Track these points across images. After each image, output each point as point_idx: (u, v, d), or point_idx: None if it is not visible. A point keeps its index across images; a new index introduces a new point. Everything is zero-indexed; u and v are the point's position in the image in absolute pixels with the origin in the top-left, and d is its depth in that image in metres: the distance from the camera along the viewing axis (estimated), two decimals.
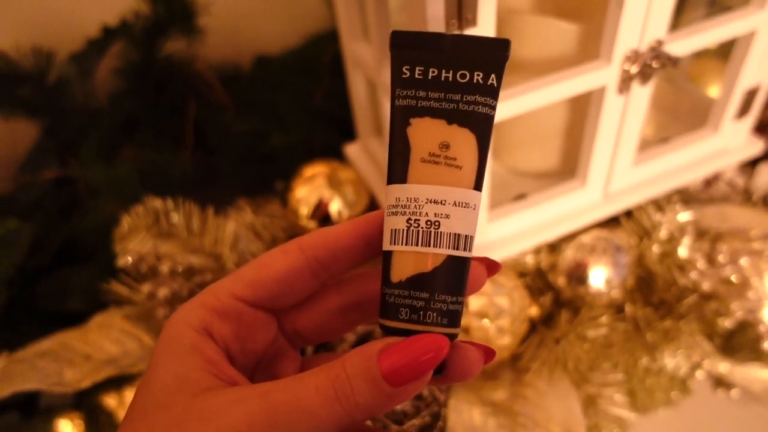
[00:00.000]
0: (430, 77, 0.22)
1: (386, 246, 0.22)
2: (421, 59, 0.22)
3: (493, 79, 0.22)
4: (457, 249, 0.22)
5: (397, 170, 0.22)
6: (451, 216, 0.22)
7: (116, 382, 0.48)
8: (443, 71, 0.22)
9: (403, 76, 0.22)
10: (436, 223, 0.22)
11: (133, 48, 0.62)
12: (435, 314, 0.22)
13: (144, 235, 0.49)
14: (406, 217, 0.22)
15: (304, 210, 0.51)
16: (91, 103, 0.63)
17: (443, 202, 0.22)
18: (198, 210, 0.51)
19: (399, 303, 0.22)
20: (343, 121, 0.62)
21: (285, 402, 0.19)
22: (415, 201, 0.22)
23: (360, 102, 0.55)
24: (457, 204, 0.22)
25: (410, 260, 0.22)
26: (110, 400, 0.49)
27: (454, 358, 0.22)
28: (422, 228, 0.22)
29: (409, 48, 0.22)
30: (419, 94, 0.22)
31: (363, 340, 0.45)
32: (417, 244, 0.22)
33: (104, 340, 0.46)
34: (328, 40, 0.71)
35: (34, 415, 0.50)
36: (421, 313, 0.22)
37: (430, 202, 0.22)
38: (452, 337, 0.22)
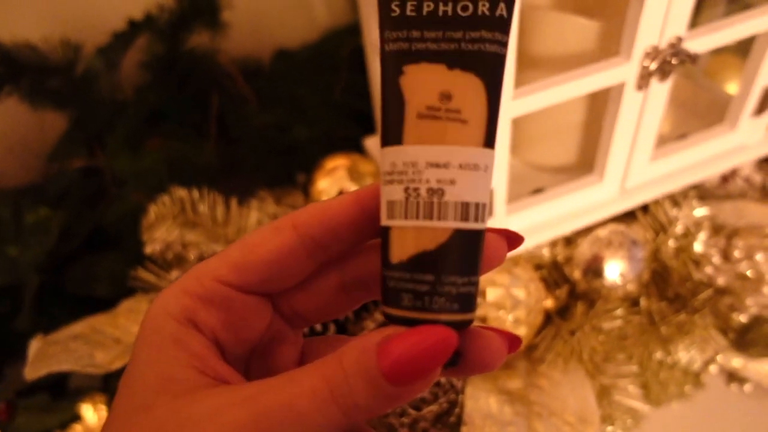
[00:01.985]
0: (424, 13, 0.18)
1: (384, 221, 0.19)
2: None
3: (502, 9, 0.18)
4: (467, 220, 0.18)
5: (391, 130, 0.19)
6: (458, 181, 0.18)
7: None
8: (440, 4, 0.18)
9: (392, 14, 0.18)
10: (440, 191, 0.18)
11: (158, 41, 0.63)
12: (443, 299, 0.18)
13: (170, 224, 0.51)
14: (403, 186, 0.18)
15: None
16: (117, 95, 0.65)
17: (447, 165, 0.18)
18: (222, 200, 0.53)
19: (401, 287, 0.18)
20: (362, 114, 0.63)
21: (276, 406, 0.17)
22: (413, 166, 0.18)
23: None
24: (464, 166, 0.18)
25: (411, 237, 0.18)
26: None
27: (473, 348, 0.19)
28: (423, 198, 0.18)
29: None
30: (412, 35, 0.18)
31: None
32: (418, 218, 0.18)
33: (133, 325, 0.48)
34: (347, 34, 0.72)
35: (62, 397, 0.52)
36: (426, 298, 0.18)
37: (431, 165, 0.18)
38: (465, 323, 0.19)
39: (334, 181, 0.52)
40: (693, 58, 0.43)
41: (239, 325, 0.21)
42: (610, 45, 0.43)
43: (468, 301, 0.19)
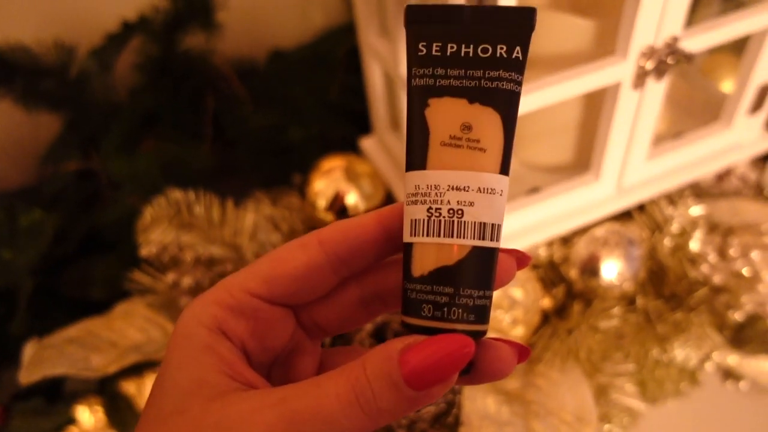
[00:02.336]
0: (448, 53, 0.20)
1: (407, 238, 0.21)
2: (439, 34, 0.20)
3: (518, 52, 0.20)
4: (483, 239, 0.20)
5: (416, 155, 0.21)
6: (476, 203, 0.20)
7: (137, 369, 0.49)
8: (463, 46, 0.20)
9: (420, 53, 0.21)
10: (460, 212, 0.20)
11: (152, 43, 0.63)
12: (461, 310, 0.20)
13: (166, 226, 0.51)
14: (426, 206, 0.20)
15: (322, 202, 0.52)
16: (112, 97, 0.65)
17: (466, 188, 0.20)
18: (218, 202, 0.53)
19: (421, 299, 0.20)
20: (358, 114, 0.63)
21: (304, 410, 0.18)
22: (435, 188, 0.20)
23: (376, 96, 0.56)
24: (482, 190, 0.20)
25: (432, 252, 0.20)
26: (130, 387, 0.50)
27: (485, 357, 0.20)
28: (444, 217, 0.20)
29: (425, 23, 0.21)
30: (437, 72, 0.20)
31: (379, 330, 0.46)
32: (439, 235, 0.20)
33: (129, 328, 0.47)
34: (343, 34, 0.72)
35: (58, 401, 0.52)
36: (446, 309, 0.20)
37: (453, 188, 0.20)
38: (480, 334, 0.21)
39: (330, 182, 0.52)
40: (689, 58, 0.43)
41: (265, 334, 0.22)
42: (606, 44, 0.43)
43: (483, 312, 0.20)
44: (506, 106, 0.20)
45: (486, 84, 0.20)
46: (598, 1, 0.47)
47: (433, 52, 0.21)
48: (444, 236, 0.20)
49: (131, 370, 0.49)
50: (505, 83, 0.20)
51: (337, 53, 0.71)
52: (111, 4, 0.66)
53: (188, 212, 0.51)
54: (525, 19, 0.20)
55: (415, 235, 0.21)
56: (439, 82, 0.20)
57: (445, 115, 0.20)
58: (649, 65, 0.42)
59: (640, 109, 0.45)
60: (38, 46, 0.61)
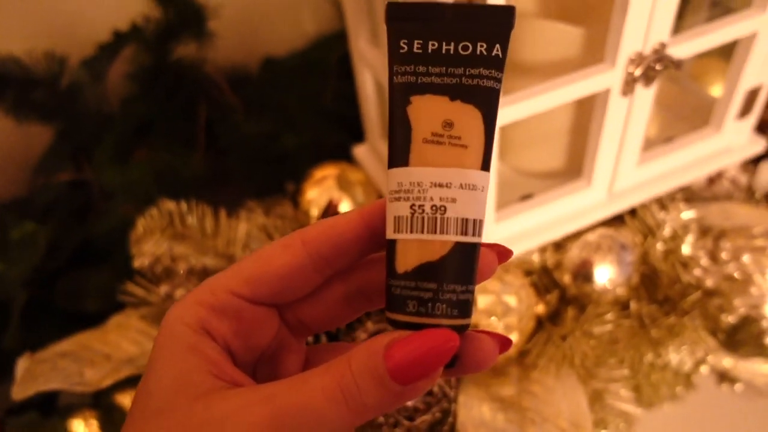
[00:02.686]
0: (429, 51, 0.21)
1: (390, 234, 0.21)
2: (420, 32, 0.21)
3: (497, 50, 0.21)
4: (466, 235, 0.20)
5: (399, 152, 0.21)
6: (458, 199, 0.20)
7: (131, 381, 0.49)
8: (444, 44, 0.21)
9: (401, 50, 0.21)
10: (442, 208, 0.20)
11: (144, 52, 0.63)
12: (444, 305, 0.20)
13: (159, 237, 0.50)
14: (409, 203, 0.20)
15: (315, 211, 0.52)
16: (104, 107, 0.65)
17: (449, 185, 0.20)
18: (211, 212, 0.52)
19: (406, 295, 0.20)
20: (352, 121, 0.63)
21: (291, 406, 0.18)
22: (418, 185, 0.20)
23: (368, 104, 0.56)
24: (464, 186, 0.20)
25: (416, 249, 0.20)
26: (125, 399, 0.50)
27: (467, 349, 0.21)
28: (427, 214, 0.20)
29: (406, 20, 0.21)
30: (419, 69, 0.21)
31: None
32: (422, 232, 0.20)
33: (122, 341, 0.47)
34: (336, 40, 0.72)
35: (52, 414, 0.52)
36: (430, 304, 0.20)
37: (435, 185, 0.20)
38: (463, 328, 0.21)
39: (323, 190, 0.52)
40: (677, 64, 0.43)
41: (249, 333, 0.22)
42: (595, 51, 0.44)
43: (466, 307, 0.21)
44: (487, 103, 0.21)
45: (467, 81, 0.20)
46: (587, 9, 0.47)
47: (415, 50, 0.21)
48: (427, 233, 0.20)
49: (126, 383, 0.49)
50: (485, 81, 0.21)
51: (329, 60, 0.71)
52: (102, 14, 0.65)
53: (181, 223, 0.51)
54: (505, 17, 0.21)
55: (398, 232, 0.21)
56: (421, 79, 0.21)
57: (427, 112, 0.21)
58: (638, 72, 0.42)
59: (629, 116, 0.46)
60: (29, 57, 0.61)
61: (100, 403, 0.51)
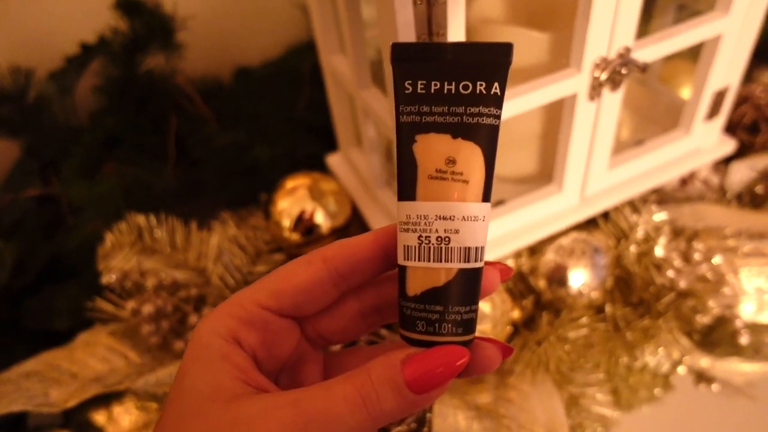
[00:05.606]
0: (432, 91, 0.22)
1: (401, 261, 0.23)
2: (423, 72, 0.22)
3: (496, 88, 0.22)
4: (468, 262, 0.22)
5: (406, 187, 0.23)
6: (461, 230, 0.22)
7: (104, 399, 0.48)
8: (445, 83, 0.22)
9: (406, 91, 0.22)
10: (446, 239, 0.22)
11: (112, 65, 0.62)
12: (450, 325, 0.22)
13: (127, 252, 0.50)
14: (417, 234, 0.22)
15: (287, 222, 0.52)
16: (72, 121, 0.64)
17: (452, 217, 0.22)
18: (181, 225, 0.52)
19: (415, 316, 0.22)
20: (325, 130, 0.63)
21: (315, 410, 0.20)
22: (425, 218, 0.22)
23: (340, 114, 0.55)
24: (466, 218, 0.22)
25: (423, 275, 0.22)
26: (99, 417, 0.49)
27: (473, 356, 0.23)
28: (433, 244, 0.22)
29: (409, 61, 0.22)
30: (423, 109, 0.22)
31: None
32: (429, 260, 0.22)
33: (90, 358, 0.46)
34: (308, 50, 0.72)
35: None
36: (437, 325, 0.22)
37: (440, 218, 0.22)
38: (468, 343, 0.23)
39: (295, 200, 0.52)
40: (642, 68, 0.43)
41: (273, 343, 0.24)
42: (561, 57, 0.44)
43: (470, 325, 0.23)
44: (487, 139, 0.22)
45: (468, 120, 0.22)
46: (553, 15, 0.48)
47: (419, 90, 0.22)
48: (433, 261, 0.22)
49: (99, 401, 0.48)
50: (485, 118, 0.22)
51: (302, 69, 0.71)
52: (69, 27, 0.65)
53: (150, 237, 0.50)
54: (502, 55, 0.22)
55: (407, 260, 0.23)
56: (425, 119, 0.22)
57: (431, 149, 0.22)
58: (603, 76, 0.42)
59: (598, 120, 0.46)
60: None
61: (72, 422, 0.49)
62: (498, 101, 0.22)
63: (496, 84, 0.22)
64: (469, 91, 0.22)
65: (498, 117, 0.22)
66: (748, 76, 0.63)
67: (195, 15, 0.65)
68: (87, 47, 0.63)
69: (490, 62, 0.22)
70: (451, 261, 0.22)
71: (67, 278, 0.56)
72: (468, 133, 0.22)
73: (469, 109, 0.22)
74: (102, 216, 0.55)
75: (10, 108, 0.60)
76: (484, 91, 0.22)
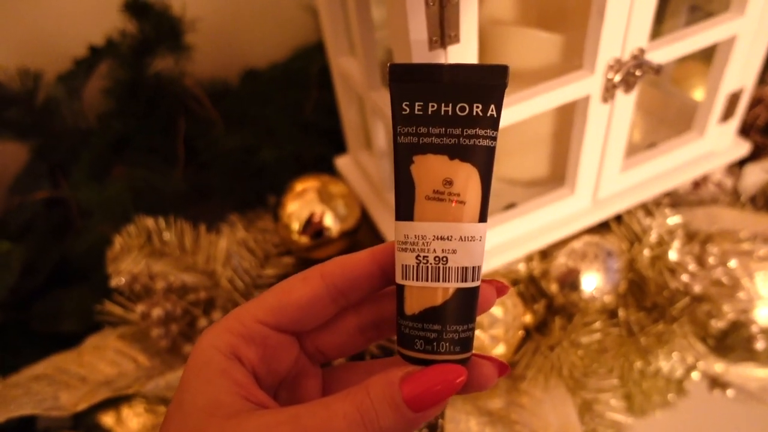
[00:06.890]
0: (430, 112, 0.22)
1: (399, 280, 0.23)
2: (420, 94, 0.22)
3: (492, 110, 0.22)
4: (465, 281, 0.22)
5: (403, 207, 0.23)
6: (458, 251, 0.22)
7: (113, 401, 0.48)
8: (442, 105, 0.22)
9: (404, 112, 0.22)
10: (444, 259, 0.22)
11: (120, 67, 0.62)
12: (448, 344, 0.22)
13: (136, 255, 0.49)
14: (415, 254, 0.22)
15: (296, 225, 0.51)
16: (81, 124, 0.64)
17: (449, 238, 0.22)
18: (190, 227, 0.51)
19: (413, 335, 0.22)
20: (333, 132, 0.63)
21: (315, 427, 0.20)
22: (422, 238, 0.22)
23: (349, 116, 0.55)
24: (464, 239, 0.22)
25: (421, 295, 0.22)
26: (108, 419, 0.49)
27: (469, 374, 0.23)
28: (431, 264, 0.22)
29: (407, 82, 0.22)
30: (420, 130, 0.22)
31: None
32: (427, 280, 0.22)
33: (99, 362, 0.46)
34: (316, 51, 0.71)
35: None
36: (435, 344, 0.22)
37: (437, 238, 0.22)
38: (466, 361, 0.23)
39: (304, 203, 0.51)
40: (656, 69, 0.43)
41: (273, 359, 0.24)
42: (574, 58, 0.43)
43: (467, 343, 0.23)
44: (483, 160, 0.22)
45: (464, 141, 0.22)
46: (565, 16, 0.47)
47: (416, 112, 0.22)
48: (431, 280, 0.22)
49: (108, 403, 0.47)
50: (481, 140, 0.22)
51: (310, 71, 0.70)
52: (77, 30, 0.65)
53: (159, 240, 0.50)
54: (498, 77, 0.22)
55: (405, 279, 0.23)
56: (422, 140, 0.22)
57: (428, 170, 0.22)
58: (617, 78, 0.42)
59: (611, 122, 0.45)
60: (2, 73, 0.60)
61: (81, 424, 0.49)
62: (494, 123, 0.22)
63: (492, 106, 0.22)
64: (465, 112, 0.22)
65: (494, 138, 0.22)
66: (763, 78, 0.62)
67: (203, 17, 0.65)
68: (95, 49, 0.62)
69: (486, 84, 0.22)
70: (448, 281, 0.22)
71: (76, 281, 0.56)
72: (465, 154, 0.22)
73: (466, 131, 0.22)
74: (111, 219, 0.55)
75: (19, 110, 0.60)
76: (481, 113, 0.22)
